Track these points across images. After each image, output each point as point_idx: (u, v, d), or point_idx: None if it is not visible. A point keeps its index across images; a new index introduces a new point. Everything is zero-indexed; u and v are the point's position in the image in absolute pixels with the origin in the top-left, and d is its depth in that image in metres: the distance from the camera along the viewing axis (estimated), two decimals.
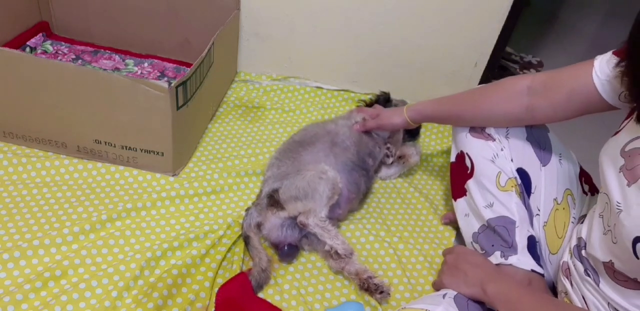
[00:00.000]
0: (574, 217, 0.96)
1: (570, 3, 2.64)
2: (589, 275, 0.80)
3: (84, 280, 0.93)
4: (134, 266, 0.95)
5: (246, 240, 1.03)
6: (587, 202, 0.99)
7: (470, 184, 1.01)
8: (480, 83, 1.50)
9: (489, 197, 0.97)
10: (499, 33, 1.38)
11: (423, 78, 1.51)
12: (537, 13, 2.41)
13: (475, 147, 1.01)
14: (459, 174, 1.05)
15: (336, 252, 0.99)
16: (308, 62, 1.53)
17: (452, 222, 1.17)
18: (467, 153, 1.02)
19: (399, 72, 1.51)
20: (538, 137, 0.99)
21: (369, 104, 1.34)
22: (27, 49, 1.48)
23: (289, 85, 1.55)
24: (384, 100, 1.33)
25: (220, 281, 0.98)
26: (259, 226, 1.04)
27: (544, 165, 0.97)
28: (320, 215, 1.00)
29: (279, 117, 1.45)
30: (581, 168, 1.02)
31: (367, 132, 1.20)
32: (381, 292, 0.97)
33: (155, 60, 1.55)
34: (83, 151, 1.16)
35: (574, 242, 0.87)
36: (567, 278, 0.86)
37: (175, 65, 1.54)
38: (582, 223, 0.89)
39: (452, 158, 1.08)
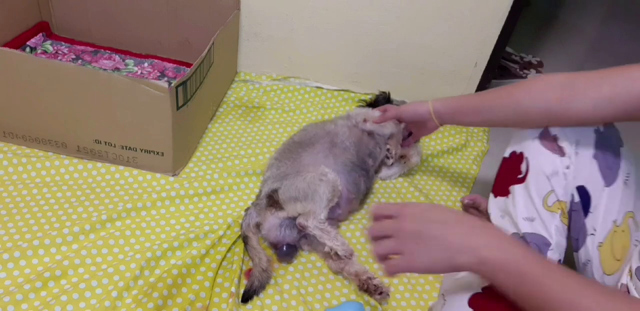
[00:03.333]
0: (636, 240, 0.90)
1: (570, 3, 2.64)
2: None
3: (84, 280, 0.93)
4: (134, 266, 0.95)
5: (245, 240, 1.03)
6: None
7: (517, 189, 0.94)
8: (480, 83, 1.50)
9: (532, 211, 0.92)
10: (499, 33, 1.38)
11: (423, 79, 1.51)
12: (537, 13, 2.41)
13: (539, 157, 0.93)
14: (509, 174, 0.97)
15: (336, 253, 0.99)
16: (308, 62, 1.53)
17: (472, 205, 1.11)
18: (527, 158, 0.94)
19: (399, 72, 1.51)
20: (607, 154, 0.92)
21: (370, 104, 1.34)
22: (27, 49, 1.48)
23: (289, 85, 1.55)
24: (384, 99, 1.33)
25: (220, 281, 0.98)
26: (257, 226, 1.05)
27: (607, 186, 0.90)
28: (319, 217, 1.00)
29: (279, 117, 1.45)
30: None
31: (369, 133, 1.20)
32: (380, 293, 0.97)
33: (155, 60, 1.55)
34: (83, 151, 1.16)
35: (635, 264, 0.80)
36: None
37: (175, 65, 1.54)
38: None
39: (506, 154, 0.99)
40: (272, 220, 1.04)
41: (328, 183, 1.02)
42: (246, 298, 0.96)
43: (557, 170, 0.91)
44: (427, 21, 1.39)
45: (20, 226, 1.01)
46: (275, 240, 1.04)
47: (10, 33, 1.43)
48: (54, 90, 1.06)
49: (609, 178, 0.91)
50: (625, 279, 0.83)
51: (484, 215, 1.03)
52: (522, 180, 0.94)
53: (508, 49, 1.96)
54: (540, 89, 0.89)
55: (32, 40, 1.50)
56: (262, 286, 0.98)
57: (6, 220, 1.02)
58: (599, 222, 0.91)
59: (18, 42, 1.45)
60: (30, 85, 1.07)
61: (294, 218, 1.03)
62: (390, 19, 1.40)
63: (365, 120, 1.21)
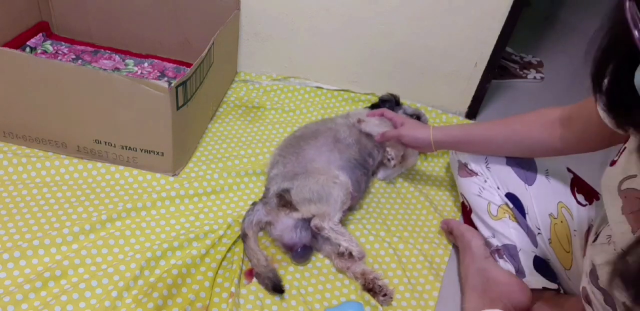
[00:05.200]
0: (574, 230, 0.94)
1: (570, 3, 2.64)
2: (610, 305, 0.69)
3: (84, 280, 0.93)
4: (134, 266, 0.95)
5: (244, 238, 1.02)
6: (587, 213, 0.95)
7: (474, 219, 1.09)
8: (480, 83, 1.50)
9: (489, 228, 1.04)
10: (499, 33, 1.38)
11: (423, 78, 1.51)
12: (537, 13, 2.41)
13: (464, 186, 1.11)
14: (465, 212, 1.15)
15: (350, 254, 0.99)
16: (308, 62, 1.53)
17: (448, 231, 1.14)
18: (463, 194, 1.13)
19: (399, 72, 1.51)
20: (519, 160, 1.03)
21: (375, 105, 1.34)
22: (27, 49, 1.48)
23: (289, 85, 1.55)
24: (390, 102, 1.32)
25: (220, 281, 0.98)
26: (266, 224, 1.04)
27: (529, 185, 1.00)
28: (334, 219, 1.00)
29: (279, 117, 1.45)
30: (574, 178, 1.00)
31: (367, 134, 1.20)
32: (384, 295, 0.97)
33: (155, 60, 1.55)
34: (83, 151, 1.16)
35: (587, 267, 0.76)
36: (589, 304, 0.76)
37: (175, 65, 1.54)
38: (594, 242, 0.78)
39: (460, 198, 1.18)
40: (286, 221, 1.03)
41: (342, 186, 1.02)
42: (279, 288, 0.96)
43: (480, 186, 1.05)
44: (427, 21, 1.39)
45: (20, 226, 1.01)
46: (291, 242, 1.02)
47: (10, 33, 1.43)
48: (54, 90, 1.06)
49: (528, 177, 1.01)
50: (584, 282, 0.77)
51: (457, 239, 1.12)
52: (471, 211, 1.10)
53: (508, 49, 1.96)
54: (542, 129, 0.94)
55: (32, 40, 1.50)
56: (277, 278, 0.97)
57: (6, 220, 1.02)
58: (537, 219, 0.98)
59: (18, 42, 1.45)
60: (30, 85, 1.07)
61: (308, 220, 1.02)
62: (391, 19, 1.40)
63: (359, 121, 1.21)
